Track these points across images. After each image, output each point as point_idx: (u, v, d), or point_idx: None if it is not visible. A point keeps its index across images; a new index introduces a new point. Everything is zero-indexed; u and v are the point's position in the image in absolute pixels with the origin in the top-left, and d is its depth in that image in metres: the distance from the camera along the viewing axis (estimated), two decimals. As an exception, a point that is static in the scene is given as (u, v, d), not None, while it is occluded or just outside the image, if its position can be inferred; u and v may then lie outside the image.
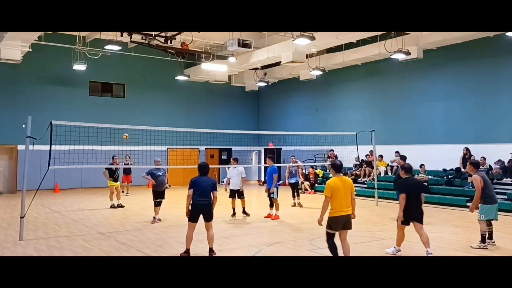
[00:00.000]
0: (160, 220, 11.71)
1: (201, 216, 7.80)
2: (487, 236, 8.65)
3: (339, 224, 6.73)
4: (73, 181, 21.04)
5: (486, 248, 8.43)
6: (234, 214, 12.66)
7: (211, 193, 7.80)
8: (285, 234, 10.17)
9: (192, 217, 7.74)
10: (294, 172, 15.48)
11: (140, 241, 9.27)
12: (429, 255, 7.51)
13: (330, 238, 6.82)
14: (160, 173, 11.84)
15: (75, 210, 14.18)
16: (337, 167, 6.93)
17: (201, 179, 7.86)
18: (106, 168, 14.61)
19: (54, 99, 20.87)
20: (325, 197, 6.74)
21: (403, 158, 12.54)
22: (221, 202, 12.70)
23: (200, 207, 7.70)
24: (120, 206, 14.76)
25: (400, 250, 8.00)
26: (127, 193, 18.26)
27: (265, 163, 25.38)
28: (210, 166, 8.54)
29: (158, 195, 11.74)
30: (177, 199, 16.58)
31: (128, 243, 9.09)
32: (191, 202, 7.72)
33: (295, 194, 15.29)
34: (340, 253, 6.84)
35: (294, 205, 15.02)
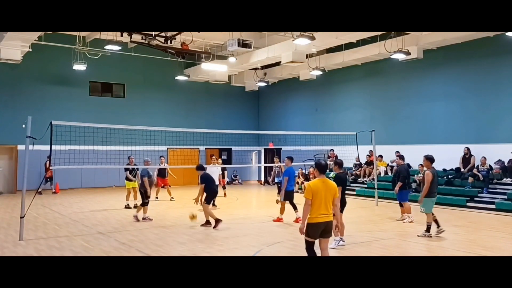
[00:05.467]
0: (151, 219, 11.95)
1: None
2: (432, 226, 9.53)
3: (317, 231, 5.89)
4: (73, 181, 21.01)
5: (431, 237, 9.36)
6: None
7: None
8: (285, 234, 10.17)
9: None
10: (277, 172, 16.35)
11: (140, 241, 9.26)
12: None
13: (309, 246, 5.98)
14: (151, 173, 12.92)
15: (75, 210, 14.17)
16: (322, 168, 6.03)
17: None
18: (125, 169, 14.60)
19: (54, 99, 20.84)
20: (305, 199, 5.87)
21: (402, 157, 12.55)
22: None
23: None
24: (127, 206, 14.51)
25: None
26: (171, 198, 16.53)
27: (265, 162, 25.59)
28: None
29: (146, 195, 11.98)
30: (178, 200, 16.59)
31: (128, 243, 9.08)
32: None
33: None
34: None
35: (278, 202, 14.95)
